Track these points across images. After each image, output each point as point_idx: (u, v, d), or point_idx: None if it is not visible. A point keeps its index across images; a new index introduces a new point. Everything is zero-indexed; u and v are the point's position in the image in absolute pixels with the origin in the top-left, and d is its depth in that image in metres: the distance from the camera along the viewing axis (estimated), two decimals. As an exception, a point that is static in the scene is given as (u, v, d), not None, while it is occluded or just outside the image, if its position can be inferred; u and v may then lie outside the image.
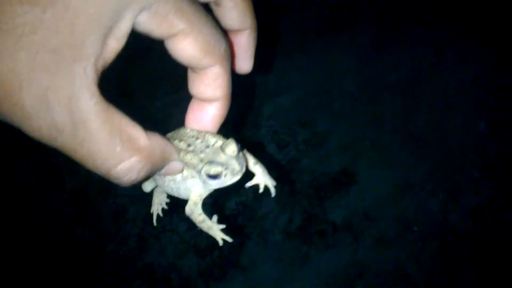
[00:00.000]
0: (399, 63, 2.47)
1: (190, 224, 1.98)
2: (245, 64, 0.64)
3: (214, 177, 0.62)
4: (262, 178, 0.75)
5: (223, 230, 0.70)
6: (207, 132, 0.64)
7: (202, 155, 0.62)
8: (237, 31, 0.60)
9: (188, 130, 0.66)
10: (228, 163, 0.62)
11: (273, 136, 2.28)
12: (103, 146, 0.45)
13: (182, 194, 0.69)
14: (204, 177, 0.62)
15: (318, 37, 2.72)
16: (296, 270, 1.92)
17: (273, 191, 0.77)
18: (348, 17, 2.75)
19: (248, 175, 0.71)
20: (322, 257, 1.93)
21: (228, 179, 0.62)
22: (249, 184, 0.75)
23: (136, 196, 2.24)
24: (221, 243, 0.70)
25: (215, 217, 0.70)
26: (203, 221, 0.68)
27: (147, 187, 0.85)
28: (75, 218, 2.22)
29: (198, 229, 0.71)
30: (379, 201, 2.00)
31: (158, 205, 0.98)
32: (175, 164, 0.59)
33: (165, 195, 0.98)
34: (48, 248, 2.12)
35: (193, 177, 0.64)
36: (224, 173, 0.61)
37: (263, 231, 2.02)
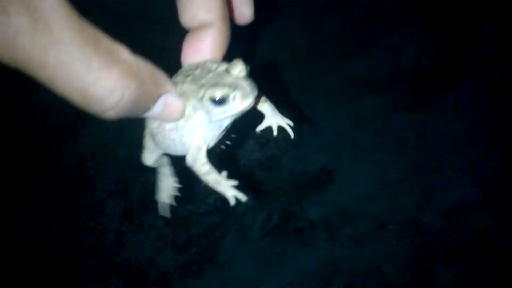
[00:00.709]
0: (380, 62, 2.49)
1: (168, 219, 1.98)
2: (244, 9, 0.57)
3: (221, 102, 0.51)
4: (273, 119, 0.65)
5: (234, 187, 0.57)
6: (207, 60, 0.54)
7: (203, 81, 0.51)
8: None
9: (186, 66, 0.55)
10: (237, 83, 0.51)
11: (253, 133, 2.28)
12: (74, 56, 0.37)
13: (187, 145, 0.56)
14: (208, 104, 0.51)
15: (301, 34, 2.73)
16: (273, 267, 1.94)
17: (290, 131, 0.66)
18: (333, 15, 2.76)
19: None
20: (299, 254, 1.94)
21: (238, 104, 0.51)
22: (260, 127, 0.65)
23: (115, 190, 2.22)
24: (232, 202, 0.58)
25: (224, 172, 0.58)
26: (208, 172, 0.56)
27: (148, 157, 0.71)
28: (53, 211, 2.20)
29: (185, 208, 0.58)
30: (356, 199, 2.02)
31: (167, 191, 0.79)
32: (173, 100, 0.49)
33: (174, 179, 0.80)
34: (24, 241, 2.10)
35: (195, 111, 0.53)
36: (232, 95, 0.51)
37: (241, 228, 2.03)
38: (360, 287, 1.84)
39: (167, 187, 0.79)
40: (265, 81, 2.44)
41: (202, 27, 0.52)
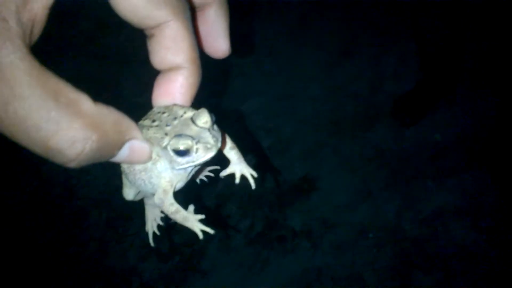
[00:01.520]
0: (362, 71, 2.54)
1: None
2: (220, 43, 0.56)
3: (183, 153, 0.51)
4: (238, 166, 0.64)
5: (202, 221, 0.58)
6: (175, 104, 0.54)
7: (168, 128, 0.51)
8: (203, 5, 0.53)
9: (155, 108, 0.55)
10: (200, 135, 0.51)
11: (237, 141, 2.30)
12: (34, 110, 0.37)
13: (156, 186, 0.57)
14: (171, 154, 0.51)
15: (287, 43, 2.76)
16: (256, 275, 1.96)
17: (252, 182, 0.65)
18: (316, 25, 2.80)
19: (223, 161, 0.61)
20: (282, 262, 1.97)
21: (201, 156, 0.51)
22: (223, 173, 0.64)
23: (99, 199, 2.23)
24: (201, 236, 0.58)
25: (191, 207, 0.58)
26: (176, 211, 0.57)
27: (127, 193, 0.73)
28: (37, 219, 2.20)
29: (172, 222, 0.60)
30: (338, 207, 2.06)
31: (152, 222, 0.82)
32: (139, 145, 0.48)
33: (159, 209, 0.79)
34: (7, 248, 2.09)
35: (159, 157, 0.53)
36: (195, 147, 0.51)
37: (224, 236, 2.05)
38: (341, 293, 1.88)
39: (151, 217, 0.81)
40: (249, 87, 2.45)
41: (171, 69, 0.51)
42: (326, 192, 2.11)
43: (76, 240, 2.15)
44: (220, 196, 2.12)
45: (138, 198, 0.73)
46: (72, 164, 0.40)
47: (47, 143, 0.38)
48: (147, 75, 0.53)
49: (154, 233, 0.80)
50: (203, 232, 0.57)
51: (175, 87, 0.52)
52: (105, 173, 2.22)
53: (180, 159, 0.51)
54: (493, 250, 1.87)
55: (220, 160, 0.62)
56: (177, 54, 0.50)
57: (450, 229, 1.96)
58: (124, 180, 0.67)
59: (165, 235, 2.04)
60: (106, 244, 2.11)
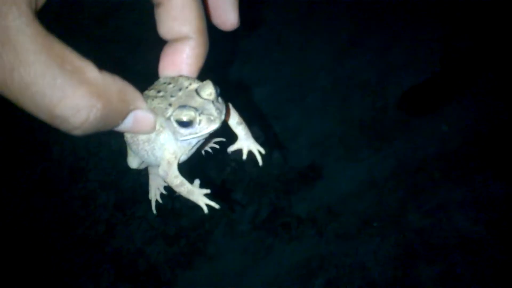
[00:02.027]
0: (371, 61, 2.53)
1: (160, 211, 2.02)
2: (228, 14, 0.54)
3: (186, 124, 0.50)
4: (245, 142, 0.63)
5: (207, 196, 0.58)
6: (181, 76, 0.53)
7: (172, 99, 0.51)
8: None
9: (162, 79, 0.55)
10: (204, 107, 0.51)
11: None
12: (39, 76, 0.37)
13: (159, 158, 0.57)
14: (174, 125, 0.51)
15: (296, 32, 2.75)
16: (261, 260, 1.99)
17: (259, 158, 0.64)
18: (326, 14, 2.78)
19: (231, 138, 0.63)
20: (286, 248, 2.00)
21: (204, 127, 0.51)
22: (231, 148, 0.64)
23: (107, 181, 2.25)
24: (206, 210, 0.58)
25: (197, 181, 0.58)
26: (181, 184, 0.57)
27: (131, 162, 0.73)
28: (45, 201, 2.23)
29: (178, 196, 0.59)
30: (343, 196, 2.08)
31: (155, 190, 0.82)
32: (143, 115, 0.48)
33: (160, 178, 0.85)
34: (16, 230, 2.13)
35: (163, 128, 0.53)
36: (198, 119, 0.50)
37: (230, 221, 2.08)
38: (344, 281, 1.90)
39: (155, 186, 0.82)
40: (258, 74, 2.44)
41: (178, 39, 0.51)
42: (332, 181, 2.13)
43: (84, 221, 2.19)
44: (227, 182, 2.15)
45: (142, 167, 0.74)
46: (77, 132, 0.41)
47: (52, 110, 0.39)
48: (156, 59, 0.54)
49: (157, 201, 0.81)
50: (208, 206, 0.58)
51: (181, 58, 0.51)
52: (113, 156, 2.25)
53: (183, 130, 0.51)
54: (496, 242, 1.89)
55: (225, 133, 0.62)
56: (184, 24, 0.49)
57: (454, 220, 1.97)
58: (128, 149, 0.67)
59: (172, 218, 2.08)
60: (114, 226, 2.15)
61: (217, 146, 0.73)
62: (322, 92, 2.44)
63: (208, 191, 0.57)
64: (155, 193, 0.82)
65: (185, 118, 0.50)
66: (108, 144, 2.29)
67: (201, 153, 0.76)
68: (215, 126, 0.51)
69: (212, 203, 0.58)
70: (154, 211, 0.81)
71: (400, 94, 2.33)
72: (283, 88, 2.50)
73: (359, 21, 2.70)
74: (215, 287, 1.96)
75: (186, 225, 2.08)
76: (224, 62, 2.53)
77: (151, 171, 0.81)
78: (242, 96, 2.46)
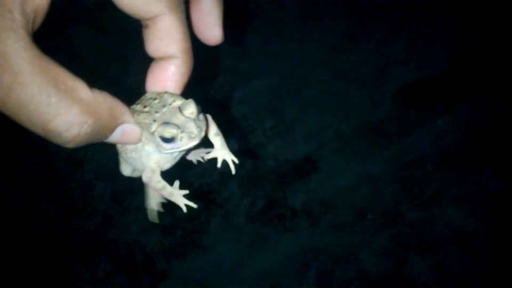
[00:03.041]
0: (369, 56, 2.54)
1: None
2: (212, 31, 0.57)
3: (169, 140, 0.55)
4: (220, 152, 0.68)
5: (186, 196, 0.63)
6: (166, 92, 0.57)
7: (157, 115, 0.55)
8: None
9: (148, 94, 0.59)
10: (185, 125, 0.55)
11: (241, 120, 2.33)
12: (35, 95, 0.40)
13: (145, 166, 0.62)
14: (158, 139, 0.55)
15: (295, 24, 2.75)
16: (256, 252, 2.01)
17: (232, 167, 0.68)
18: (325, 7, 2.78)
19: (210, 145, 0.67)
20: (281, 240, 2.02)
21: (184, 144, 0.56)
22: (207, 156, 0.70)
23: (104, 172, 2.27)
24: (185, 209, 0.63)
25: (176, 183, 0.63)
26: (163, 188, 0.62)
27: (124, 169, 0.77)
28: (43, 192, 2.24)
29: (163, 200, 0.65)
30: (338, 189, 2.09)
31: (155, 198, 0.84)
32: (130, 128, 0.52)
33: None
34: (12, 221, 2.14)
35: (148, 141, 0.57)
36: (180, 136, 0.55)
37: (226, 213, 2.10)
38: (338, 273, 1.92)
39: (154, 194, 0.84)
40: (256, 66, 2.44)
41: (165, 58, 0.55)
42: (327, 174, 2.14)
43: (81, 212, 2.20)
44: (222, 173, 2.16)
45: (135, 175, 0.77)
46: (70, 145, 0.45)
47: (47, 126, 0.42)
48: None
49: (158, 211, 0.84)
50: (187, 206, 0.63)
51: (167, 75, 0.55)
52: (110, 148, 2.25)
53: (165, 145, 0.56)
54: (489, 236, 1.90)
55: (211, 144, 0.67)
56: (170, 45, 0.53)
57: (447, 214, 1.99)
58: (120, 158, 0.72)
59: (168, 209, 2.09)
60: (110, 217, 2.16)
61: (207, 156, 0.75)
62: (319, 86, 2.45)
63: (186, 192, 0.62)
64: (155, 203, 0.84)
65: (167, 135, 0.55)
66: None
67: (194, 162, 0.80)
68: (194, 142, 0.56)
69: (191, 203, 0.63)
70: (157, 221, 0.85)
71: (397, 89, 2.34)
72: (280, 81, 2.51)
73: (358, 15, 2.70)
74: (210, 278, 1.97)
75: (182, 216, 2.09)
76: (220, 55, 2.54)
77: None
78: (238, 89, 2.46)
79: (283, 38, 2.71)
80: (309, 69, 2.54)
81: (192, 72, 0.57)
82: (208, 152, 0.76)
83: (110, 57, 2.45)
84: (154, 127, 0.55)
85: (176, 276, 1.99)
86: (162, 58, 0.55)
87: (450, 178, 2.05)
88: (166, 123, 0.55)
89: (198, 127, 0.56)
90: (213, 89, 2.45)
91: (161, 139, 0.55)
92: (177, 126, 0.55)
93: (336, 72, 2.51)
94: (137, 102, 0.59)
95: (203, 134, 0.57)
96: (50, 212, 2.19)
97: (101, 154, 2.31)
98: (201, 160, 0.78)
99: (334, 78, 2.48)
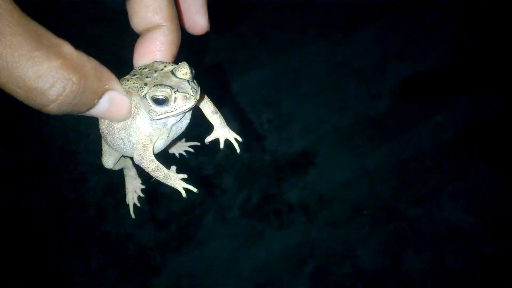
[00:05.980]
0: (368, 48, 2.50)
1: (150, 195, 2.00)
2: (198, 18, 0.56)
3: (162, 101, 0.50)
4: (221, 131, 0.63)
5: (185, 180, 0.59)
6: (156, 61, 0.54)
7: (147, 79, 0.51)
8: None
9: (136, 67, 0.55)
10: (180, 85, 0.51)
11: (238, 113, 2.30)
12: (16, 49, 0.38)
13: (135, 145, 0.57)
14: (150, 103, 0.51)
15: (292, 16, 2.71)
16: (251, 247, 1.98)
17: (237, 146, 0.64)
18: (325, 0, 2.74)
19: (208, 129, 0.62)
20: (276, 235, 1.99)
21: (179, 105, 0.51)
22: (208, 138, 0.64)
23: (97, 165, 2.22)
24: (184, 194, 0.58)
25: (173, 167, 0.59)
26: (157, 168, 0.57)
27: (106, 161, 0.74)
28: (36, 184, 2.21)
29: (154, 181, 0.59)
30: (335, 184, 2.07)
31: (133, 193, 0.83)
32: (118, 97, 0.49)
33: (139, 181, 0.82)
34: (6, 213, 2.11)
35: (138, 109, 0.53)
36: (173, 96, 0.51)
37: (221, 207, 2.07)
38: (334, 268, 1.90)
39: (131, 189, 0.83)
40: (253, 59, 2.41)
41: (151, 29, 0.52)
42: (324, 168, 2.11)
43: (74, 204, 2.17)
44: (218, 167, 2.13)
45: (117, 167, 0.74)
46: (53, 107, 0.41)
47: (29, 84, 0.39)
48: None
49: (134, 204, 0.81)
50: (187, 191, 0.58)
51: (155, 46, 0.53)
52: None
53: (158, 109, 0.51)
54: (485, 232, 1.89)
55: (199, 135, 0.61)
56: (156, 13, 0.51)
57: (444, 210, 1.97)
58: (104, 147, 0.68)
59: (162, 203, 2.06)
60: (104, 209, 2.13)
61: (191, 150, 0.73)
62: (317, 79, 2.42)
63: (185, 176, 0.58)
64: (132, 197, 0.82)
65: (160, 96, 0.50)
66: (98, 126, 2.26)
67: (176, 156, 0.76)
68: (190, 104, 0.51)
69: (190, 187, 0.58)
70: (133, 216, 0.81)
71: (396, 83, 2.31)
72: (278, 74, 2.47)
73: (357, 9, 2.66)
74: (205, 273, 1.95)
75: (176, 210, 2.06)
76: (217, 46, 2.49)
77: (127, 174, 0.83)
78: (235, 81, 2.43)
79: (280, 29, 2.67)
80: (307, 62, 2.50)
81: (180, 42, 0.54)
82: (192, 146, 0.73)
83: (104, 45, 2.40)
84: (145, 90, 0.51)
85: (170, 270, 1.97)
86: (148, 30, 0.52)
87: (447, 175, 2.04)
88: (158, 84, 0.51)
89: (193, 88, 0.52)
90: (210, 81, 2.41)
91: (154, 102, 0.51)
92: (171, 87, 0.51)
93: (334, 64, 2.48)
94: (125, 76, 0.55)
95: (198, 96, 0.52)
96: (42, 204, 2.15)
97: (94, 146, 2.27)
98: (184, 154, 0.75)
99: (332, 71, 2.45)
